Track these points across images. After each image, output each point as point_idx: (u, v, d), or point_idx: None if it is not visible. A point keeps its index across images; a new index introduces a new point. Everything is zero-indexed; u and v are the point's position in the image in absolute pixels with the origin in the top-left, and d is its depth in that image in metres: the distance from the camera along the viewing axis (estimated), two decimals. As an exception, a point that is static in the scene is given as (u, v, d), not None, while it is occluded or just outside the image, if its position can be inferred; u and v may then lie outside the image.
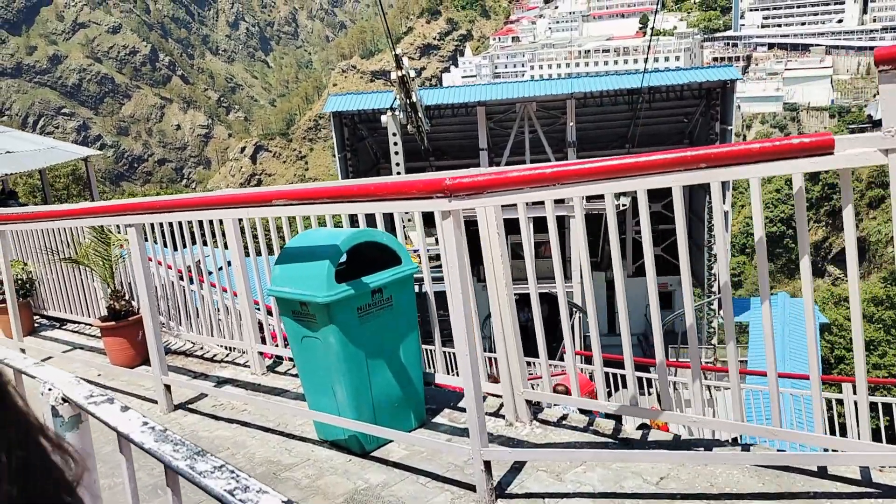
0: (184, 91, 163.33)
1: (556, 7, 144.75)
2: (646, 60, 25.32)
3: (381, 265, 3.68)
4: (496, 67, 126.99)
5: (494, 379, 3.74)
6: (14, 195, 18.88)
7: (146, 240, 4.75)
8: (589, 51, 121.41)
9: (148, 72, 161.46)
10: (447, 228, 2.72)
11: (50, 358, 6.41)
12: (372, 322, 3.55)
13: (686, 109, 27.98)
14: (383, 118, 20.65)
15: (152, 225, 5.13)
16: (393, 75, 20.17)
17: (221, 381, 5.17)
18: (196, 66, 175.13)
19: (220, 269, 5.39)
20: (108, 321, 5.65)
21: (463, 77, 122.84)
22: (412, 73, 21.03)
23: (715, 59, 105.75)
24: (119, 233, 5.56)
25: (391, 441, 3.62)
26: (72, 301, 7.19)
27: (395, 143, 20.39)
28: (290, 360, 5.69)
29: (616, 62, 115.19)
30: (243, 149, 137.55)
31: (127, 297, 5.75)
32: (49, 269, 7.39)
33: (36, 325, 7.66)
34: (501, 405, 3.85)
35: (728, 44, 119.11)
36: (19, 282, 7.02)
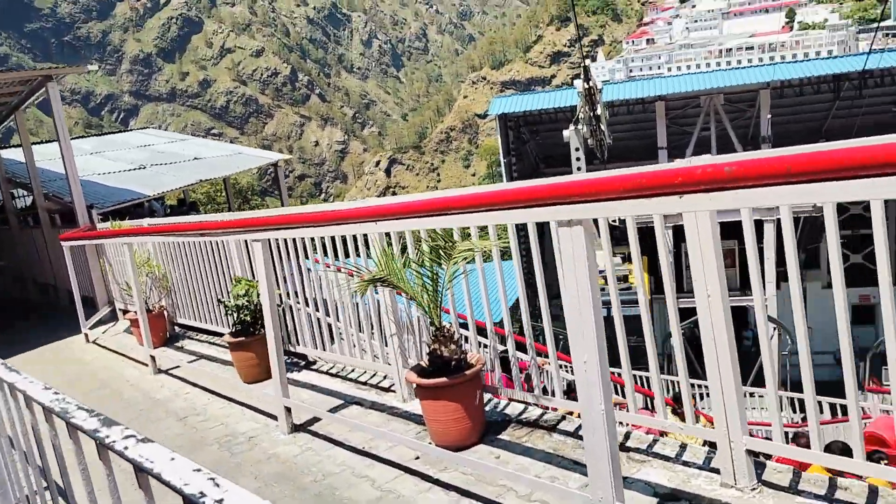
0: (321, 109, 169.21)
1: (694, 6, 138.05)
2: (873, 38, 21.82)
3: None
4: (630, 71, 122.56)
5: None
6: (195, 207, 18.23)
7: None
8: (731, 49, 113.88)
9: (288, 91, 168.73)
10: None
11: (318, 421, 4.54)
12: None
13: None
14: (565, 133, 19.23)
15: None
16: (578, 86, 18.37)
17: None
18: (332, 84, 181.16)
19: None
20: (431, 376, 3.63)
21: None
22: (599, 85, 19.00)
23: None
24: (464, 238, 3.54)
25: None
26: (342, 339, 5.36)
27: (578, 159, 18.91)
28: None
29: (761, 59, 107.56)
30: (378, 162, 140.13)
31: (456, 339, 3.71)
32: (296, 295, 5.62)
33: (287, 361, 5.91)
34: None
35: (888, 34, 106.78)
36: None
